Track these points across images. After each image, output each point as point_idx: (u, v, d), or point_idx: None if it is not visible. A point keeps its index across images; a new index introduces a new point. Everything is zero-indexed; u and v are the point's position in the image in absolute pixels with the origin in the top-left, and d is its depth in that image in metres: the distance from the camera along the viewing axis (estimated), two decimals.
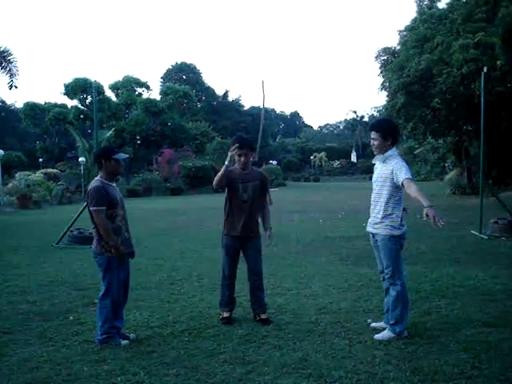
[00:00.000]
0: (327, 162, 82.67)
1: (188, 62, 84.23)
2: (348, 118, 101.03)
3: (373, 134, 5.43)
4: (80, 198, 33.50)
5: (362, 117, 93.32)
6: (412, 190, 4.94)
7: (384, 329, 5.36)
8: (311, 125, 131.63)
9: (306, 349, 4.96)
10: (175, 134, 56.05)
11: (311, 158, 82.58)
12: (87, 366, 4.64)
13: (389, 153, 5.34)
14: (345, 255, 10.35)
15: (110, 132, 42.57)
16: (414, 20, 26.38)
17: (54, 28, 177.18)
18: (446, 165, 40.09)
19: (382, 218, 5.27)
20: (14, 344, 5.30)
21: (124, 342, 5.23)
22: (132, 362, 4.74)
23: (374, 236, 5.48)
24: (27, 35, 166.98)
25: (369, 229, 5.55)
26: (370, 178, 5.89)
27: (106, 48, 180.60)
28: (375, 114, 36.60)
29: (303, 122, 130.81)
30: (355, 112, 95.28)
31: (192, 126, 60.33)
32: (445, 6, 25.69)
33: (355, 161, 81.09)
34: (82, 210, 12.81)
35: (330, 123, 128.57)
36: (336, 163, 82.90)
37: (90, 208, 5.22)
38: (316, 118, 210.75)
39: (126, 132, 53.08)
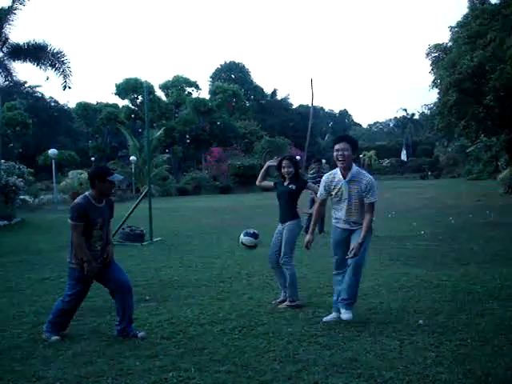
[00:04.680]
0: (377, 160, 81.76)
1: (237, 61, 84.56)
2: (398, 116, 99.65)
3: (344, 145, 5.41)
4: (131, 195, 34.08)
5: (413, 115, 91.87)
6: (366, 217, 5.41)
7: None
8: (360, 123, 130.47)
9: (356, 349, 4.94)
10: (224, 132, 56.48)
11: (360, 156, 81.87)
12: (139, 361, 4.73)
13: (354, 169, 5.44)
14: (395, 255, 10.21)
15: (160, 131, 43.25)
16: (466, 16, 25.89)
17: (105, 29, 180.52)
18: (500, 163, 39.21)
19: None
20: (69, 339, 5.44)
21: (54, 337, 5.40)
22: (183, 358, 4.81)
23: (350, 233, 5.63)
24: (79, 36, 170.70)
25: (346, 226, 5.66)
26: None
27: (156, 48, 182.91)
28: (426, 111, 35.97)
29: (352, 120, 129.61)
30: (405, 110, 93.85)
31: (241, 125, 60.62)
32: (497, 2, 25.18)
33: (405, 159, 79.86)
34: (134, 208, 13.06)
35: (380, 121, 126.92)
36: (386, 162, 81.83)
37: (68, 221, 5.30)
38: (365, 116, 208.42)
39: (175, 131, 53.77)
